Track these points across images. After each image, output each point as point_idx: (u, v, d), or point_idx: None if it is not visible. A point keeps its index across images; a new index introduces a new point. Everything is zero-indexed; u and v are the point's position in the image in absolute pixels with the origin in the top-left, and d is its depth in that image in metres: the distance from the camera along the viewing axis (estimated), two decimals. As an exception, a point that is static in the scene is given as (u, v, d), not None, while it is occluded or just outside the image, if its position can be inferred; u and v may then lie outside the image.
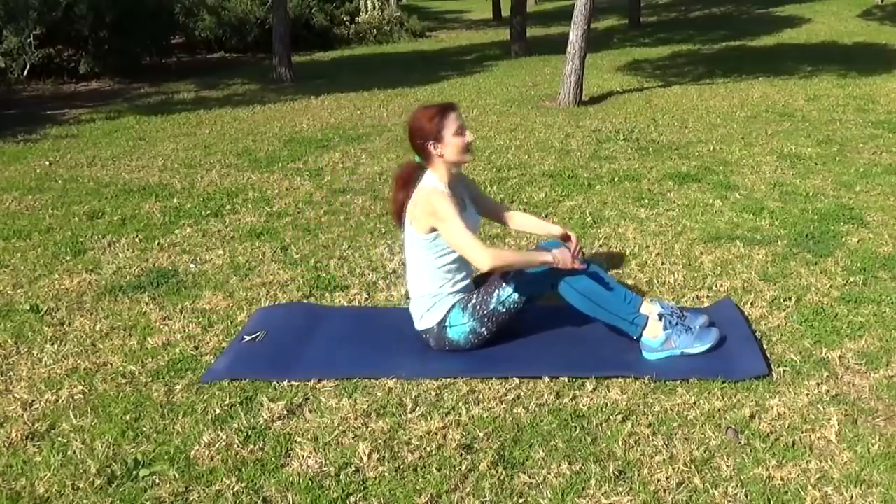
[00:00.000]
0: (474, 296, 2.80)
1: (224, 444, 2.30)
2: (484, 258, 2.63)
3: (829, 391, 2.49)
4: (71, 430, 2.40)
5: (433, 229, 2.72)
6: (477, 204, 3.03)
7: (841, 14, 18.46)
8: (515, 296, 2.75)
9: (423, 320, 2.84)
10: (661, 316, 2.73)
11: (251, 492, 2.09)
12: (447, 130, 2.72)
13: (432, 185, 2.75)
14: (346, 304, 3.34)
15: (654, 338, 2.72)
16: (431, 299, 2.81)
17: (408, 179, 2.84)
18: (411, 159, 2.86)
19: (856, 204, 4.46)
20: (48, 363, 2.85)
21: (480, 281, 2.91)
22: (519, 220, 3.13)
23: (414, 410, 2.45)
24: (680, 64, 12.33)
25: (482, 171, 5.52)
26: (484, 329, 2.78)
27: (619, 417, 2.37)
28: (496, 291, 2.76)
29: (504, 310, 2.77)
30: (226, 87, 11.38)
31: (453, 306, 2.79)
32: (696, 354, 2.70)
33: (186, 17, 15.03)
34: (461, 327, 2.78)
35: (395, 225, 2.99)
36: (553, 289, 2.76)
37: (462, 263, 2.82)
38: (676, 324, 2.71)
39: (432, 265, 2.79)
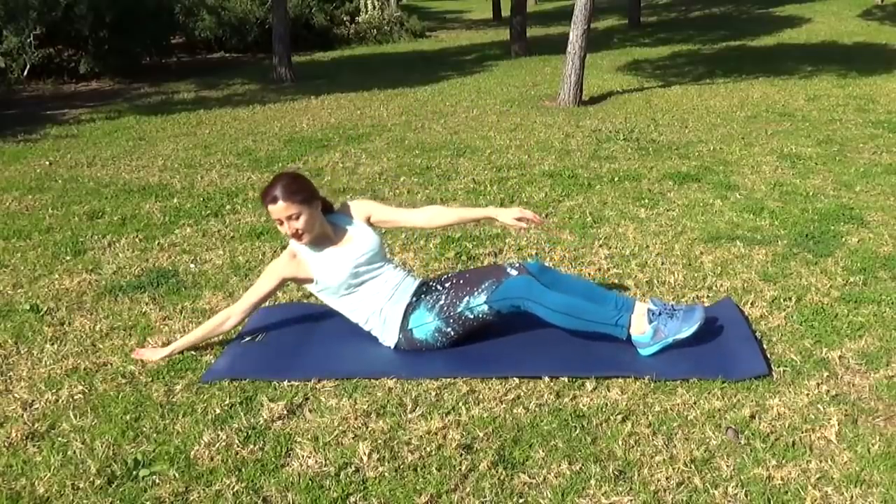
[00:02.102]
0: (443, 296, 2.80)
1: (224, 444, 2.30)
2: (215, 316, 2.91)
3: (829, 391, 2.49)
4: (71, 430, 2.40)
5: (302, 281, 2.88)
6: (387, 222, 3.02)
7: (841, 14, 18.47)
8: (485, 307, 2.74)
9: (387, 339, 2.85)
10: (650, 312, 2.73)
11: (251, 492, 2.09)
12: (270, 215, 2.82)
13: (287, 249, 2.90)
14: (346, 304, 3.34)
15: (643, 333, 2.71)
16: (377, 320, 2.85)
17: None
18: None
19: (856, 204, 4.46)
20: (48, 363, 2.85)
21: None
22: (449, 214, 3.08)
23: (414, 410, 2.45)
24: (680, 64, 12.33)
25: (482, 171, 5.53)
26: (450, 329, 2.78)
27: (619, 417, 2.37)
28: (467, 297, 2.76)
29: (472, 316, 2.76)
30: (226, 87, 11.38)
31: (412, 308, 2.81)
32: (694, 341, 2.67)
33: (186, 17, 15.04)
34: (426, 326, 2.78)
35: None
36: (525, 310, 2.73)
37: (372, 275, 2.84)
38: (660, 314, 2.70)
39: (346, 303, 2.87)
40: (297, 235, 2.77)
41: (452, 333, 2.79)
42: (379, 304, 2.84)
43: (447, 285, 2.88)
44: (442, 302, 2.79)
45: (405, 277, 2.92)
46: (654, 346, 2.70)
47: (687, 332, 2.68)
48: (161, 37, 14.05)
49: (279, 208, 2.72)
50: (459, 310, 2.76)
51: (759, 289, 3.30)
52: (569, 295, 2.76)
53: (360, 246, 2.86)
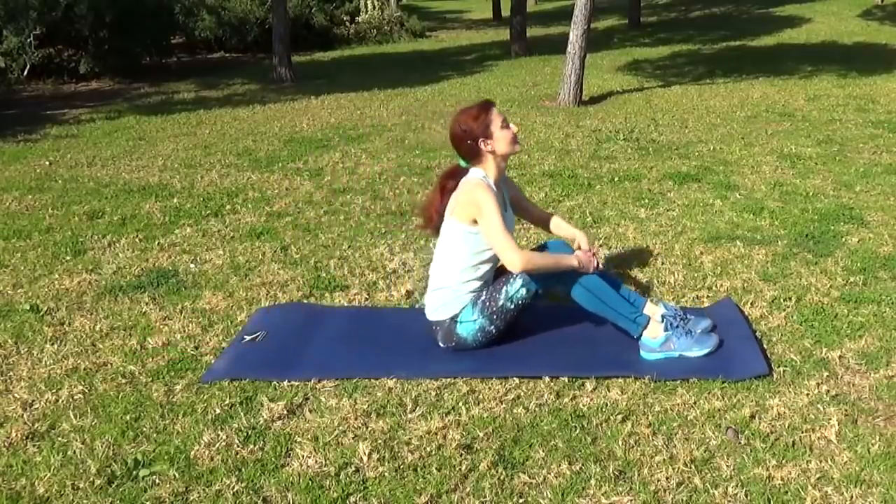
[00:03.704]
0: (483, 293, 2.80)
1: (224, 444, 2.30)
2: (517, 260, 2.66)
3: (829, 391, 2.49)
4: (71, 430, 2.40)
5: (476, 221, 2.73)
6: (517, 206, 3.06)
7: (841, 14, 18.47)
8: (523, 291, 2.75)
9: (438, 312, 2.84)
10: (663, 317, 2.74)
11: (251, 492, 2.09)
12: (494, 125, 2.76)
13: (478, 178, 2.77)
14: (346, 304, 3.34)
15: (654, 338, 2.72)
16: (452, 293, 2.81)
17: (451, 179, 2.86)
18: (456, 163, 2.88)
19: (856, 204, 4.46)
20: (48, 363, 2.85)
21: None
22: (554, 224, 3.15)
23: (414, 410, 2.45)
24: (680, 64, 12.33)
25: (482, 171, 5.52)
26: (493, 327, 2.79)
27: (619, 417, 2.37)
28: (504, 288, 2.77)
29: (512, 306, 2.77)
30: (226, 87, 11.38)
31: (467, 303, 2.80)
32: (694, 358, 2.70)
33: (186, 17, 15.02)
34: (471, 324, 2.78)
35: (425, 223, 2.95)
36: (558, 281, 2.76)
37: (492, 263, 2.83)
38: (677, 326, 2.72)
39: (467, 259, 2.79)
40: (517, 138, 2.84)
41: (494, 331, 2.80)
42: (469, 283, 2.80)
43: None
44: (483, 298, 2.79)
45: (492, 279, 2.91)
46: (658, 354, 2.71)
47: (697, 353, 2.71)
48: (161, 37, 14.03)
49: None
50: (501, 303, 2.76)
51: (759, 289, 3.30)
52: (599, 276, 2.78)
53: (512, 220, 2.94)
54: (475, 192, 2.72)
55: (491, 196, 2.70)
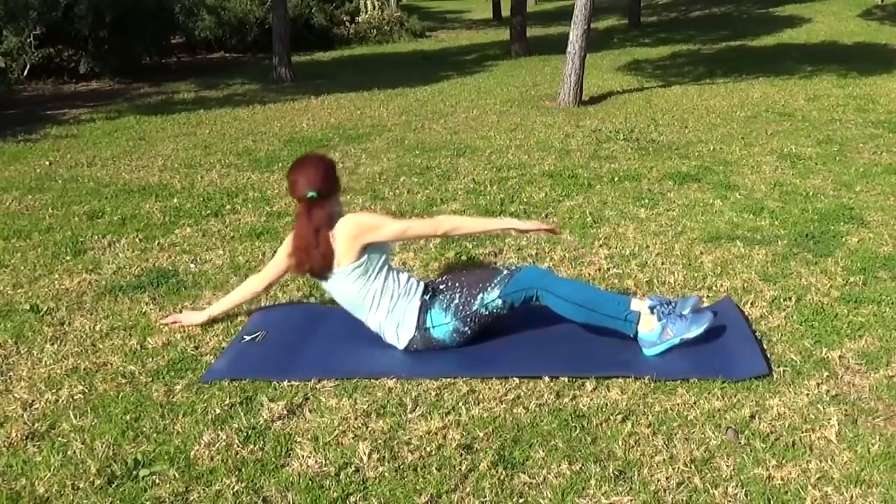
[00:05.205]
0: (457, 296, 2.80)
1: (224, 444, 2.30)
2: (432, 227, 2.85)
3: (829, 391, 2.49)
4: (71, 430, 2.40)
5: (363, 249, 2.73)
6: None
7: (841, 14, 18.46)
8: (499, 301, 2.75)
9: (401, 338, 2.82)
10: (652, 309, 2.73)
11: (251, 492, 2.09)
12: None
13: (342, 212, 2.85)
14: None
15: (651, 331, 2.71)
16: (394, 319, 2.81)
17: (320, 225, 2.77)
18: (310, 215, 2.78)
19: (856, 204, 4.46)
20: (48, 363, 2.85)
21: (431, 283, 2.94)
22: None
23: (414, 410, 2.45)
24: (680, 64, 12.34)
25: (482, 171, 5.52)
26: (467, 328, 2.79)
27: (619, 417, 2.37)
28: (480, 295, 2.77)
29: (486, 312, 2.77)
30: (226, 87, 11.38)
31: (427, 307, 2.79)
32: (694, 342, 2.68)
33: (186, 17, 15.02)
34: (444, 326, 2.78)
35: (320, 277, 2.84)
36: (538, 300, 2.75)
37: (387, 265, 2.83)
38: (669, 313, 2.70)
39: (373, 288, 2.78)
40: None
41: (469, 332, 2.80)
42: (397, 299, 2.80)
43: (457, 285, 2.85)
44: (457, 301, 2.79)
45: (407, 272, 2.92)
46: (660, 346, 2.70)
47: (695, 332, 2.69)
48: (161, 37, 14.04)
49: None
50: (475, 308, 2.76)
51: (759, 289, 3.30)
52: (574, 283, 2.77)
53: None
54: (354, 223, 2.76)
55: (363, 211, 2.76)
